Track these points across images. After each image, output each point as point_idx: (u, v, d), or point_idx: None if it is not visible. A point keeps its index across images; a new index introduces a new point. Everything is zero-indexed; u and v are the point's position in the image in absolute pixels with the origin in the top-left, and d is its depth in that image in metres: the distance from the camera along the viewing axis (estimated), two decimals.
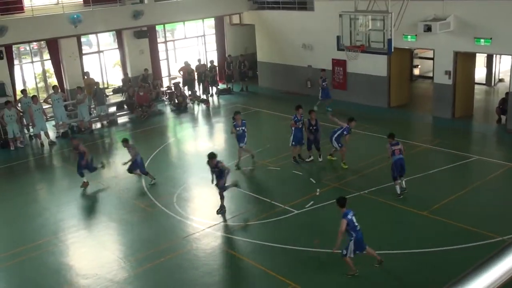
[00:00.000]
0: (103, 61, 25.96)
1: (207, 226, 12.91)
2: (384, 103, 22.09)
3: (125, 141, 15.87)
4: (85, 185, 15.69)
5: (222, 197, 13.55)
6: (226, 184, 13.57)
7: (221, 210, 13.48)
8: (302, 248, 11.43)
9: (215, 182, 13.51)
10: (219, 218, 13.29)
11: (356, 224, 9.97)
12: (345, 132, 15.49)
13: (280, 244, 11.80)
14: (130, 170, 15.68)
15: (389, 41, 17.03)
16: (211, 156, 13.39)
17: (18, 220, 14.12)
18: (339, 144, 15.67)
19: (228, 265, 11.34)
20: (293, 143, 16.34)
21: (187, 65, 25.77)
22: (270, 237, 12.13)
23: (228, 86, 27.25)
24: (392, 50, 17.31)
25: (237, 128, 16.26)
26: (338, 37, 18.61)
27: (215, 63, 27.06)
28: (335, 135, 15.61)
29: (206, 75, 25.92)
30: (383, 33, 17.36)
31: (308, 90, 24.28)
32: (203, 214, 13.69)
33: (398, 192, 13.53)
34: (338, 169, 15.82)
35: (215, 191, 15.06)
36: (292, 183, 15.26)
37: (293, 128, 16.22)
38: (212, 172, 13.53)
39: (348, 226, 9.84)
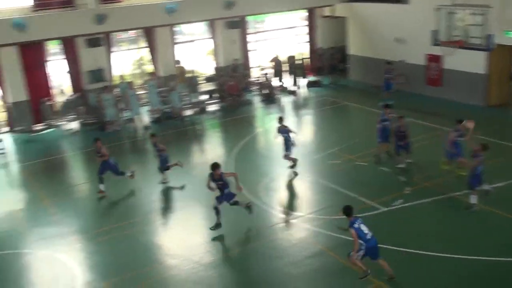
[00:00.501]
0: (196, 50, 26.62)
1: (293, 217, 12.97)
2: (481, 102, 21.07)
3: (153, 136, 15.51)
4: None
5: (217, 212, 12.39)
6: (236, 199, 12.51)
7: (216, 228, 12.39)
8: (387, 246, 11.20)
9: (218, 194, 12.43)
10: (305, 210, 13.30)
11: (366, 232, 9.65)
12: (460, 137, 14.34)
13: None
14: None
15: (489, 36, 16.21)
16: (215, 167, 12.19)
17: (113, 199, 14.87)
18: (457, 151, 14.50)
19: (312, 257, 11.32)
20: (380, 140, 15.97)
21: (277, 56, 25.87)
22: None
23: (318, 78, 27.10)
24: (493, 47, 16.46)
25: (283, 135, 15.61)
26: (433, 32, 17.95)
27: (305, 55, 26.99)
28: (453, 143, 14.41)
29: (296, 67, 25.92)
30: (482, 28, 16.53)
31: (399, 86, 23.66)
32: (290, 205, 13.76)
33: (474, 202, 12.53)
34: (429, 168, 15.30)
35: (302, 183, 15.12)
36: (379, 180, 14.96)
37: (379, 125, 15.86)
38: (216, 184, 12.30)
39: (360, 235, 9.58)
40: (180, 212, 13.94)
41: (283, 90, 25.52)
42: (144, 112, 22.42)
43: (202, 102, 23.92)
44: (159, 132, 20.79)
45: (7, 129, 22.29)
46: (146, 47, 24.81)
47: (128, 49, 25.69)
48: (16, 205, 15.04)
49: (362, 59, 26.25)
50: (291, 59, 26.25)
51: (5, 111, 22.62)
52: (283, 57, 26.22)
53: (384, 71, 22.24)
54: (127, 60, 25.69)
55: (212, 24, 25.99)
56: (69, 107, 22.52)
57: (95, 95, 22.09)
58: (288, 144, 15.58)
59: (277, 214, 13.31)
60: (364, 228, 9.65)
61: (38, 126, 22.38)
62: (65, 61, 23.24)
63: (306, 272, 10.77)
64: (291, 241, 11.90)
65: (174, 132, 20.89)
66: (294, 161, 15.78)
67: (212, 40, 26.41)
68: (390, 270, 10.00)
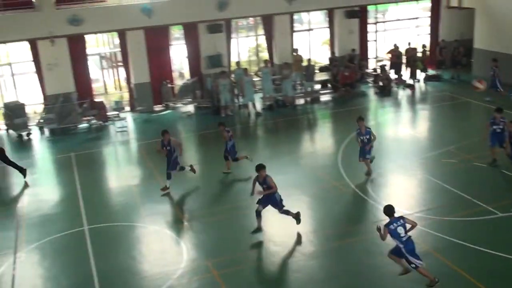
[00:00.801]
0: (312, 39, 26.47)
1: (401, 214, 12.51)
2: None
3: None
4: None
5: (258, 215, 12.09)
6: (286, 208, 12.07)
7: (256, 231, 12.10)
8: (501, 254, 10.46)
9: (255, 196, 12.13)
10: (413, 208, 12.78)
11: (403, 235, 9.40)
12: None
13: (476, 245, 10.94)
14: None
15: None
16: (260, 168, 11.86)
17: (217, 182, 15.27)
18: None
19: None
20: (490, 143, 14.91)
21: (396, 48, 25.00)
22: (467, 237, 11.30)
23: (438, 72, 25.83)
24: None
25: (361, 137, 14.58)
26: None
27: (426, 48, 25.83)
28: None
29: (415, 60, 24.89)
30: None
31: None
32: (397, 202, 13.26)
33: None
34: None
35: (412, 180, 14.56)
36: (498, 183, 14.00)
37: (489, 129, 14.82)
38: (259, 185, 11.93)
39: (392, 236, 9.43)
40: (284, 200, 13.99)
41: (400, 83, 24.64)
42: (257, 99, 22.74)
43: (316, 91, 23.79)
44: (271, 120, 21.11)
45: (129, 108, 23.69)
46: (263, 34, 25.10)
47: (247, 36, 26.18)
48: (132, 180, 15.97)
49: (489, 53, 24.55)
50: (410, 51, 25.23)
51: (129, 92, 24.04)
52: (402, 49, 25.28)
53: (491, 68, 20.73)
54: (244, 47, 26.19)
55: (330, 13, 25.68)
56: (186, 91, 23.42)
57: (212, 80, 22.76)
58: (366, 148, 14.57)
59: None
60: (401, 231, 9.40)
61: (158, 107, 23.56)
62: (186, 46, 24.16)
63: (410, 272, 10.36)
64: None
65: (285, 120, 21.00)
66: (369, 171, 14.78)
67: (329, 30, 26.11)
68: (431, 276, 9.57)
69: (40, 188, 16.00)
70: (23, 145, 20.53)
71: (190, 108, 23.15)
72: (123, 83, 24.71)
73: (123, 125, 21.16)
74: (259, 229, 12.11)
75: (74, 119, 21.59)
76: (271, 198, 11.93)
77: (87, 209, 13.93)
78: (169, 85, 23.51)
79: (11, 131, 21.48)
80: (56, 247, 12.12)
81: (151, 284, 10.37)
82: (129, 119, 22.29)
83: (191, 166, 15.35)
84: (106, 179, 16.97)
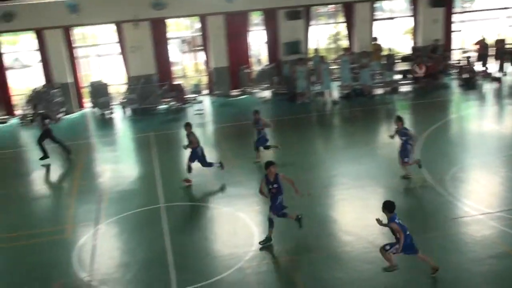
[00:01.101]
0: (394, 28, 25.75)
1: (480, 213, 11.98)
2: None
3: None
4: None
5: (271, 224, 10.96)
6: (285, 211, 11.06)
7: (266, 242, 10.97)
8: None
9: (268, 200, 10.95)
10: (494, 207, 12.20)
11: (404, 226, 9.26)
12: None
13: None
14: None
15: None
16: (269, 165, 10.72)
17: (297, 168, 15.23)
18: None
19: (495, 258, 10.34)
20: None
21: (483, 39, 23.86)
22: None
23: None
24: None
25: (402, 138, 13.51)
26: None
27: None
28: None
29: (504, 52, 23.65)
30: None
31: None
32: (478, 199, 12.74)
33: None
34: None
35: (495, 178, 13.92)
36: None
37: None
38: (269, 188, 10.76)
39: (403, 229, 9.19)
40: (358, 190, 13.77)
41: (486, 76, 23.54)
42: (334, 87, 22.46)
43: (395, 81, 23.18)
44: (348, 109, 20.79)
45: (207, 92, 24.09)
46: (343, 22, 24.70)
47: (326, 24, 25.86)
48: None
49: None
50: (499, 42, 24.01)
51: (207, 76, 24.43)
52: (490, 40, 24.10)
53: None
54: (323, 34, 25.89)
55: (415, 1, 24.85)
56: (263, 76, 23.51)
57: (289, 67, 22.70)
58: (407, 150, 13.59)
59: (462, 207, 12.42)
60: (403, 224, 9.27)
61: (234, 92, 23.80)
62: (265, 32, 24.19)
63: (487, 272, 9.91)
64: (474, 238, 11.02)
65: (362, 110, 20.63)
66: (407, 175, 13.81)
67: (412, 18, 25.29)
68: (433, 263, 9.49)
69: (120, 165, 16.65)
70: (105, 123, 21.44)
71: (267, 93, 23.22)
72: (202, 67, 25.13)
73: (200, 108, 21.56)
74: (269, 240, 11.04)
75: (154, 100, 22.26)
76: (278, 199, 10.86)
77: (164, 187, 14.35)
78: (247, 70, 23.67)
79: (95, 109, 22.46)
80: (133, 222, 12.58)
81: (222, 264, 10.53)
82: (206, 102, 22.68)
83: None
84: (182, 159, 17.37)
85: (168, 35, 23.96)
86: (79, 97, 23.71)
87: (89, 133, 20.77)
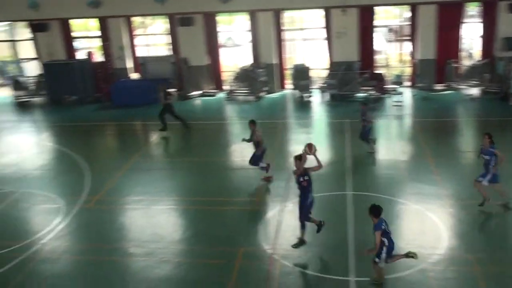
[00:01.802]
0: None
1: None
2: None
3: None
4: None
5: (303, 225, 10.55)
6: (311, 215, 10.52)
7: (298, 245, 10.60)
8: None
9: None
10: None
11: (389, 231, 9.06)
12: None
13: None
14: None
15: None
16: (298, 158, 10.26)
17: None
18: None
19: None
20: None
21: None
22: None
23: None
24: None
25: (484, 156, 11.57)
26: None
27: None
28: None
29: None
30: None
31: None
32: None
33: None
34: None
35: None
36: None
37: None
38: (299, 181, 10.28)
39: (384, 236, 8.93)
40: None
41: None
42: None
43: None
44: None
45: (408, 84, 23.21)
46: None
47: None
48: (402, 155, 15.72)
49: None
50: None
51: (411, 67, 23.51)
52: None
53: None
54: None
55: None
56: (473, 72, 21.86)
57: (505, 64, 20.73)
58: (488, 170, 11.51)
59: None
60: (389, 230, 9.10)
61: (438, 86, 22.57)
62: (480, 25, 22.43)
63: None
64: None
65: None
66: (485, 199, 11.79)
67: None
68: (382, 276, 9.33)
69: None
70: (303, 105, 21.96)
71: (475, 91, 21.57)
72: (407, 58, 24.27)
73: (399, 100, 20.88)
74: (303, 242, 10.71)
75: (353, 88, 22.16)
76: (308, 197, 10.47)
77: (353, 175, 14.23)
78: (455, 65, 22.23)
79: (295, 91, 23.13)
80: (319, 205, 12.65)
81: (403, 262, 10.11)
82: (406, 95, 21.88)
83: None
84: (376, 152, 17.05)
85: (375, 23, 23.53)
86: (282, 78, 24.62)
87: (286, 113, 21.48)
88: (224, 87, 25.01)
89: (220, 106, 22.79)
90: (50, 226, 12.35)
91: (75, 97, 24.23)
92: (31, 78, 25.45)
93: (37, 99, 24.84)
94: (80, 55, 26.28)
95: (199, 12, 23.19)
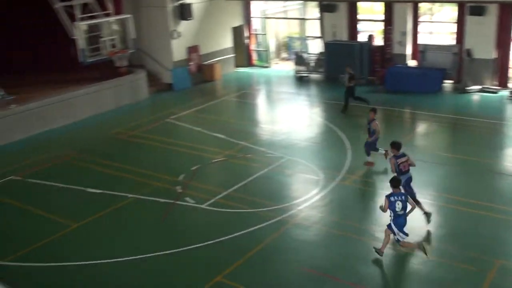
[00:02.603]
0: None
1: None
2: None
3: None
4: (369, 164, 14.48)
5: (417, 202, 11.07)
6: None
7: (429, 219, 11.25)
8: None
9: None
10: None
11: (399, 210, 9.67)
12: None
13: None
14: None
15: None
16: (395, 145, 11.36)
17: None
18: None
19: None
20: None
21: None
22: None
23: None
24: None
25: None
26: None
27: None
28: None
29: None
30: None
31: None
32: None
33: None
34: None
35: None
36: None
37: None
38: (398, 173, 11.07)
39: (390, 206, 9.69)
40: None
41: None
42: None
43: None
44: None
45: None
46: None
47: None
48: None
49: None
50: None
51: None
52: None
53: None
54: None
55: None
56: None
57: None
58: None
59: None
60: (398, 206, 9.66)
61: None
62: None
63: None
64: None
65: None
66: None
67: None
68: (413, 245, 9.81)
69: None
70: None
71: None
72: None
73: None
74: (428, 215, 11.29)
75: None
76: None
77: None
78: None
79: None
80: None
81: None
82: None
83: None
84: None
85: None
86: None
87: None
88: (510, 85, 22.77)
89: (500, 104, 20.83)
90: (307, 195, 13.10)
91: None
92: (313, 55, 26.94)
93: (315, 75, 26.23)
94: (361, 37, 26.75)
95: (495, 1, 21.43)
